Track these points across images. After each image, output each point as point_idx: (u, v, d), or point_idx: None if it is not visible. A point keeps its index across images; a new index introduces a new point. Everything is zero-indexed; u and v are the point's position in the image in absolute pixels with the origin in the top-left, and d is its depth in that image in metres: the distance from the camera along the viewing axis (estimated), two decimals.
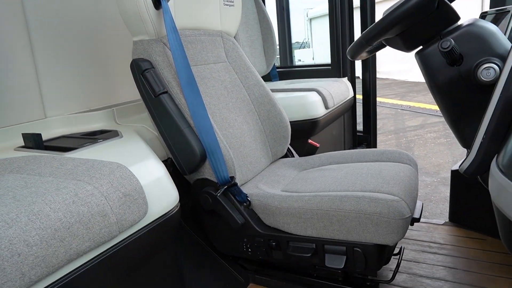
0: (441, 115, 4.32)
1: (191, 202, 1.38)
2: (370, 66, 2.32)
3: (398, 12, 0.85)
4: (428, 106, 5.91)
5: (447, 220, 1.64)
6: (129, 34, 1.52)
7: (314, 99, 1.81)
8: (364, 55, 1.13)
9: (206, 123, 1.14)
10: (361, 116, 2.47)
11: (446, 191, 2.57)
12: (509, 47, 0.86)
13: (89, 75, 1.42)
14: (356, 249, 1.02)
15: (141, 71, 1.12)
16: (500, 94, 0.61)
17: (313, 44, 14.28)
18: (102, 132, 1.22)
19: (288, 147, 1.60)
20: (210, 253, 1.36)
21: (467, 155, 0.70)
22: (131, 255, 0.79)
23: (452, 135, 4.21)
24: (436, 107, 5.73)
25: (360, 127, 2.51)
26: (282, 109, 1.52)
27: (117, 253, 0.74)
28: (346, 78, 2.35)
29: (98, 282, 0.71)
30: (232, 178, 1.17)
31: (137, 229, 0.79)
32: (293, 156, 1.62)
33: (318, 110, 1.81)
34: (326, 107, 1.88)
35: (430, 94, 6.38)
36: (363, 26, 2.26)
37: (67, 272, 0.65)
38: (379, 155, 1.38)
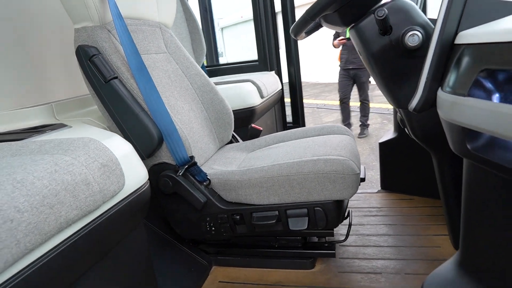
0: (353, 109, 4.73)
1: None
2: (294, 60, 2.48)
3: None
4: (330, 102, 6.40)
5: (380, 188, 1.83)
6: (65, 28, 1.44)
7: (250, 89, 1.89)
8: (303, 35, 1.24)
9: (160, 106, 1.14)
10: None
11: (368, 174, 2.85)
12: (425, 17, 1.01)
13: (23, 72, 1.32)
14: (317, 208, 1.11)
15: (89, 57, 1.09)
16: (436, 42, 0.73)
17: (226, 53, 14.56)
18: (44, 126, 1.14)
19: (233, 134, 1.65)
20: (170, 241, 1.34)
21: (414, 95, 0.82)
22: (113, 228, 0.77)
23: (388, 127, 4.64)
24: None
25: (289, 119, 2.66)
26: (223, 97, 1.57)
27: (101, 225, 0.72)
28: (274, 71, 2.48)
29: (85, 255, 0.69)
30: (192, 157, 1.18)
31: (117, 201, 0.77)
32: (238, 142, 1.67)
33: (254, 99, 1.89)
34: (261, 96, 1.97)
35: (331, 95, 6.85)
36: (286, 26, 2.42)
37: (59, 242, 0.62)
38: (319, 130, 1.50)
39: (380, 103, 5.92)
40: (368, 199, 1.73)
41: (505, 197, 0.63)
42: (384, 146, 1.78)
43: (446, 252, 1.25)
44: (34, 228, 0.56)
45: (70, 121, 1.23)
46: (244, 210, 1.17)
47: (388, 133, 1.83)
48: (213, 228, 1.22)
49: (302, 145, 1.32)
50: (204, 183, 1.20)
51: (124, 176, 0.79)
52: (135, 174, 0.85)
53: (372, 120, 4.96)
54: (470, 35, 0.67)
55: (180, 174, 1.15)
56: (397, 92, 1.08)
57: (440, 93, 0.70)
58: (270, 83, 2.17)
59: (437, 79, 0.75)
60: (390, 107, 5.57)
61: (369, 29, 1.04)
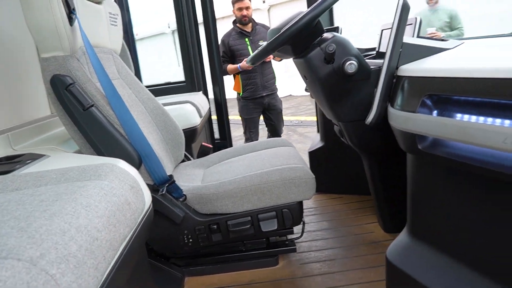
0: (259, 122, 5.08)
1: None
2: (219, 81, 2.66)
3: (297, 25, 1.17)
4: None
5: None
6: (15, 52, 1.39)
7: (191, 109, 2.01)
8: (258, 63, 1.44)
9: (136, 130, 1.22)
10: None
11: None
12: (357, 50, 1.30)
13: None
14: (284, 210, 1.30)
15: (65, 86, 1.12)
16: (384, 74, 1.00)
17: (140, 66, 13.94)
18: (13, 157, 1.12)
19: (184, 153, 1.75)
20: None
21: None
22: (140, 243, 0.84)
23: (293, 137, 5.01)
24: None
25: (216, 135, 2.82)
26: (173, 118, 1.67)
27: (136, 239, 0.80)
28: (201, 92, 2.62)
29: (131, 265, 0.76)
30: (171, 176, 1.27)
31: (142, 216, 0.85)
32: (190, 159, 1.78)
33: (196, 119, 2.02)
34: (200, 116, 2.10)
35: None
36: (209, 43, 2.57)
37: (118, 256, 0.69)
38: (266, 144, 1.71)
39: (284, 115, 6.43)
40: (305, 202, 1.99)
41: (441, 182, 0.90)
42: (313, 154, 2.07)
43: (379, 236, 1.55)
44: (110, 244, 0.64)
45: (33, 151, 1.22)
46: (220, 219, 1.30)
47: (315, 143, 2.13)
48: (190, 240, 1.32)
49: (257, 158, 1.51)
50: (181, 199, 1.30)
51: (144, 195, 0.88)
52: (146, 192, 0.93)
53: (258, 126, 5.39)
54: (408, 70, 0.95)
55: (163, 192, 1.23)
56: (338, 109, 1.34)
57: (392, 110, 0.96)
58: (202, 103, 2.32)
59: (386, 100, 1.02)
60: (292, 119, 6.09)
61: (316, 58, 1.28)
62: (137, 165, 1.19)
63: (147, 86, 2.73)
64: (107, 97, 1.19)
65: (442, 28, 3.92)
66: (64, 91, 1.12)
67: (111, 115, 1.20)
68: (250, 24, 2.96)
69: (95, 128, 1.15)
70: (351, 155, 1.80)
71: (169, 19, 10.01)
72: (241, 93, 3.07)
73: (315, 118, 5.67)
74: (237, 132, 5.95)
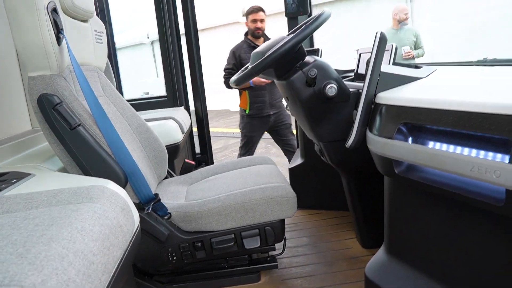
0: (238, 136, 5.13)
1: None
2: (201, 96, 2.69)
3: (281, 50, 1.23)
4: (225, 130, 6.78)
5: None
6: None
7: (173, 126, 2.04)
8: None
9: (122, 148, 1.23)
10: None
11: None
12: (337, 74, 1.36)
13: None
14: (267, 227, 1.34)
15: (53, 105, 1.13)
16: (363, 101, 1.07)
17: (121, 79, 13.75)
18: None
19: (167, 169, 1.77)
20: None
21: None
22: (129, 263, 0.86)
23: (272, 151, 5.06)
24: (232, 130, 6.65)
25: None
26: (157, 135, 1.70)
27: (127, 260, 0.82)
28: (183, 107, 2.65)
29: (121, 285, 0.78)
30: (157, 195, 1.29)
31: (132, 237, 0.87)
32: (173, 176, 1.80)
33: (178, 135, 2.04)
34: (182, 132, 2.12)
35: (226, 120, 7.24)
36: (191, 56, 2.61)
37: (110, 278, 0.71)
38: (248, 162, 1.75)
39: None
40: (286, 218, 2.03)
41: (416, 203, 0.97)
42: (293, 171, 2.13)
43: (357, 251, 1.60)
44: (105, 267, 0.66)
45: (16, 168, 1.22)
46: (204, 237, 1.33)
47: (295, 160, 2.19)
48: (174, 257, 1.33)
49: (240, 175, 1.55)
50: (165, 217, 1.31)
51: (133, 216, 0.90)
52: (135, 212, 0.95)
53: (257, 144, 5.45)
54: (385, 98, 1.01)
55: (148, 211, 1.25)
56: (318, 129, 1.40)
57: (370, 135, 1.02)
58: (185, 119, 2.34)
59: (365, 125, 1.08)
60: None
61: (298, 82, 1.33)
62: (123, 184, 1.20)
63: (128, 100, 2.74)
64: (93, 116, 1.21)
65: (410, 47, 4.12)
66: (51, 110, 1.13)
67: (98, 134, 1.21)
68: (262, 38, 2.84)
69: (82, 147, 1.16)
70: (330, 172, 1.86)
71: (149, 30, 9.99)
72: (247, 110, 2.93)
73: (294, 132, 5.74)
74: (216, 144, 5.98)
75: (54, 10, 1.17)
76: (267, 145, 5.54)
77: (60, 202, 0.79)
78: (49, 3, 1.14)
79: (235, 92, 3.08)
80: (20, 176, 1.07)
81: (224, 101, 9.49)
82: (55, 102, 1.14)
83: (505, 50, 5.17)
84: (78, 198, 0.81)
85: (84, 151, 1.17)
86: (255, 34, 2.82)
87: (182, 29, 2.61)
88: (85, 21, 1.46)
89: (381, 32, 1.08)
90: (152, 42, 10.05)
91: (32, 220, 0.70)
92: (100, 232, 0.70)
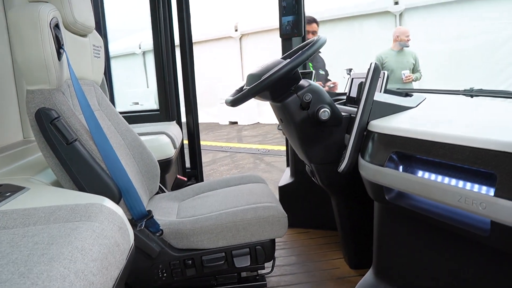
0: (226, 150, 5.15)
1: None
2: (193, 110, 2.72)
3: (278, 74, 1.27)
4: (214, 144, 6.78)
5: None
6: None
7: (166, 141, 2.05)
8: None
9: (118, 164, 1.24)
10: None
11: None
12: (330, 98, 1.41)
13: None
14: (258, 247, 1.35)
15: (50, 120, 1.14)
16: (356, 128, 1.11)
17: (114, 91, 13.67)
18: None
19: (159, 185, 1.78)
20: None
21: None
22: (124, 281, 0.87)
23: (241, 166, 5.07)
24: (221, 144, 6.66)
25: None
26: (150, 150, 1.71)
27: (122, 278, 0.82)
28: (175, 121, 2.66)
29: None
30: (150, 211, 1.30)
31: (128, 255, 0.88)
32: (165, 192, 1.81)
33: (171, 150, 2.05)
34: (174, 147, 2.14)
35: (215, 133, 7.24)
36: (184, 69, 2.64)
37: None
38: (239, 180, 1.77)
39: (250, 144, 6.54)
40: None
41: (405, 229, 1.00)
42: (283, 189, 2.15)
43: (345, 271, 1.63)
44: (104, 287, 0.67)
45: (8, 181, 1.22)
46: (195, 254, 1.33)
47: (285, 178, 2.22)
48: (165, 274, 1.33)
49: (232, 194, 1.56)
50: (157, 234, 1.32)
51: (129, 234, 0.91)
52: (130, 230, 0.96)
53: (245, 160, 5.46)
54: (378, 126, 1.05)
55: (141, 227, 1.26)
56: (310, 151, 1.44)
57: (362, 161, 1.06)
58: (177, 134, 2.36)
59: (357, 151, 1.12)
60: (260, 147, 6.19)
61: (292, 105, 1.37)
62: (117, 200, 1.21)
63: (121, 113, 2.74)
64: (90, 131, 1.22)
65: (410, 69, 4.21)
66: (48, 125, 1.14)
67: (94, 149, 1.22)
68: None
69: (77, 162, 1.17)
70: (319, 192, 1.90)
71: (141, 40, 10.00)
72: None
73: (282, 147, 5.77)
74: (204, 158, 5.98)
75: (56, 25, 1.19)
76: (255, 160, 5.57)
77: (58, 220, 0.80)
78: (52, 19, 1.16)
79: (224, 105, 3.15)
80: (14, 190, 1.07)
81: (213, 114, 9.54)
82: (53, 116, 1.15)
83: (482, 80, 5.34)
84: (76, 216, 0.81)
85: (80, 166, 1.17)
86: None
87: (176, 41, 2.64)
88: (84, 35, 1.48)
89: (375, 63, 1.13)
90: (144, 53, 10.05)
91: (31, 238, 0.71)
92: (99, 252, 0.71)
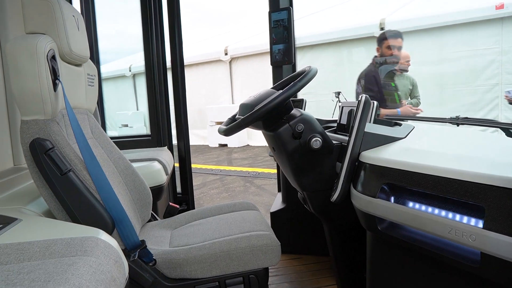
0: (216, 173, 5.14)
1: None
2: (184, 135, 2.73)
3: (272, 104, 1.30)
4: (203, 166, 6.77)
5: None
6: None
7: (158, 167, 2.05)
8: None
9: (112, 195, 1.24)
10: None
11: None
12: (321, 127, 1.44)
13: None
14: (251, 276, 1.35)
15: (45, 150, 1.14)
16: (348, 158, 1.14)
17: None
18: None
19: (151, 212, 1.77)
20: None
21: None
22: None
23: (232, 189, 5.06)
24: (211, 167, 6.66)
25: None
26: (142, 178, 1.71)
27: None
28: (166, 147, 2.67)
29: None
30: (143, 241, 1.29)
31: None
32: (157, 219, 1.80)
33: (162, 177, 2.05)
34: (166, 174, 2.14)
35: (204, 156, 7.23)
36: (176, 93, 2.66)
37: None
38: (232, 207, 1.77)
39: (240, 167, 6.55)
40: None
41: (398, 259, 1.02)
42: (275, 215, 2.16)
43: None
44: None
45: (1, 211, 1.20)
46: (189, 284, 1.32)
47: (277, 204, 2.22)
48: None
49: (225, 221, 1.56)
50: (150, 264, 1.31)
51: (124, 267, 0.90)
52: (125, 263, 0.95)
53: (236, 183, 5.46)
54: (369, 157, 1.08)
55: (135, 258, 1.25)
56: (302, 179, 1.45)
57: (354, 192, 1.08)
58: (169, 160, 2.36)
59: (349, 181, 1.14)
60: (250, 170, 6.20)
61: (285, 134, 1.40)
62: (110, 231, 1.20)
63: (112, 138, 2.74)
64: (84, 161, 1.22)
65: (405, 94, 4.25)
66: (43, 155, 1.14)
67: (88, 179, 1.22)
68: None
69: (71, 193, 1.17)
70: (311, 218, 1.91)
71: (131, 63, 10.07)
72: None
73: (271, 170, 5.78)
74: (194, 181, 5.95)
75: (53, 57, 1.21)
76: (245, 183, 5.57)
77: (53, 255, 0.80)
78: (49, 51, 1.18)
79: (214, 128, 3.19)
80: (5, 221, 1.06)
81: (203, 137, 9.55)
82: (47, 147, 1.15)
83: (465, 102, 5.50)
84: (72, 250, 0.81)
85: (73, 197, 1.17)
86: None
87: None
88: (79, 65, 1.50)
89: (365, 96, 1.17)
90: (134, 75, 10.11)
91: (27, 274, 0.71)
92: None
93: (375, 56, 2.83)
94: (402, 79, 4.46)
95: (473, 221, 0.77)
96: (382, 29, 6.59)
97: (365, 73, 2.80)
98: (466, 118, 1.58)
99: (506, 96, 3.96)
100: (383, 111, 2.73)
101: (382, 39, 2.71)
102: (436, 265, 0.91)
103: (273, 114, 1.39)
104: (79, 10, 1.64)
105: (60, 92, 1.25)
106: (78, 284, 0.69)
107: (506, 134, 1.47)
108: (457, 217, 0.80)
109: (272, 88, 1.63)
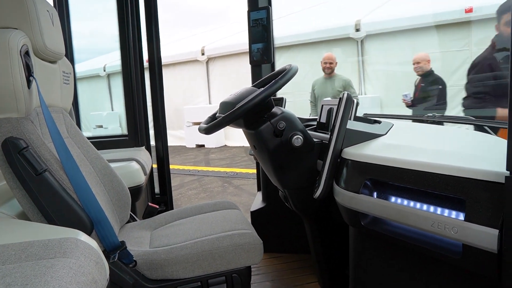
0: (194, 173, 5.09)
1: None
2: (162, 135, 2.69)
3: (253, 102, 1.29)
4: (181, 167, 6.70)
5: None
6: None
7: (137, 168, 2.01)
8: None
9: (89, 195, 1.21)
10: None
11: None
12: (302, 125, 1.44)
13: None
14: (234, 275, 1.34)
15: (18, 150, 1.09)
16: (330, 155, 1.14)
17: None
18: None
19: (130, 213, 1.73)
20: None
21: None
22: None
23: (210, 190, 5.02)
24: (188, 167, 6.59)
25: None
26: (121, 178, 1.67)
27: None
28: (144, 147, 2.62)
29: None
30: (123, 242, 1.25)
31: None
32: (136, 220, 1.76)
33: (141, 177, 2.01)
34: (145, 174, 2.10)
35: (182, 156, 7.15)
36: (154, 93, 2.62)
37: None
38: (212, 206, 1.75)
39: (218, 167, 6.51)
40: None
41: (381, 253, 1.03)
42: (255, 214, 2.15)
43: None
44: None
45: None
46: (170, 285, 1.30)
47: (257, 203, 2.22)
48: None
49: (206, 221, 1.55)
50: (130, 265, 1.28)
51: (106, 269, 0.88)
52: (106, 265, 0.93)
53: (214, 183, 5.42)
54: (351, 154, 1.09)
55: (115, 259, 1.21)
56: (284, 177, 1.46)
57: (337, 188, 1.09)
58: (147, 160, 2.32)
59: (332, 177, 1.15)
60: (228, 170, 6.17)
61: (266, 132, 1.39)
62: (89, 231, 1.17)
63: (89, 138, 2.67)
64: (60, 160, 1.18)
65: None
66: (16, 155, 1.10)
67: (65, 179, 1.18)
68: None
69: (47, 194, 1.13)
70: (291, 216, 1.91)
71: (106, 62, 9.85)
72: None
73: (250, 170, 5.78)
74: (172, 182, 5.88)
75: (27, 53, 1.17)
76: (224, 184, 5.54)
77: (31, 257, 0.76)
78: (22, 46, 1.14)
79: (191, 129, 3.17)
80: None
81: (180, 137, 9.44)
82: (21, 146, 1.10)
83: None
84: (50, 252, 0.78)
85: (49, 198, 1.13)
86: None
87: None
88: (54, 62, 1.45)
89: (347, 93, 1.18)
90: (109, 75, 9.91)
91: (2, 279, 0.67)
92: None
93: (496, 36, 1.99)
94: (330, 81, 4.52)
95: (454, 214, 0.79)
96: (357, 30, 6.72)
97: (478, 61, 2.04)
98: (442, 115, 1.62)
99: (404, 100, 3.96)
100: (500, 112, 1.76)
101: (502, 12, 1.92)
102: (419, 259, 0.92)
103: (255, 112, 1.39)
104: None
105: (34, 89, 1.20)
106: (58, 286, 0.66)
107: (479, 130, 1.52)
108: (439, 210, 0.82)
109: (252, 86, 1.63)
